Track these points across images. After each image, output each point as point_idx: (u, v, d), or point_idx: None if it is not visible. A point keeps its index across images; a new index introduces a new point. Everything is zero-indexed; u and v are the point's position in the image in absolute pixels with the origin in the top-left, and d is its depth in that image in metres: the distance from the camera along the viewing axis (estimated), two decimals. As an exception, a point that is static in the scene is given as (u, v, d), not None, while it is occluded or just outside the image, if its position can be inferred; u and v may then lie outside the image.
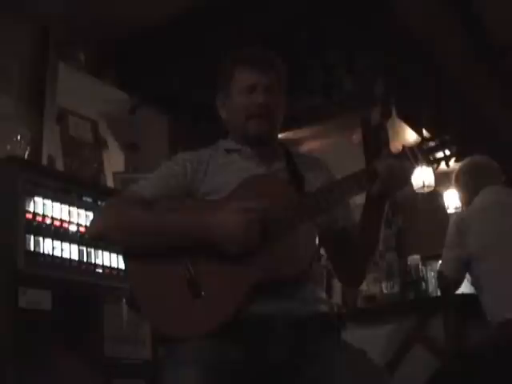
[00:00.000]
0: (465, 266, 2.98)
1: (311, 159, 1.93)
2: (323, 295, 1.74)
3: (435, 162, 1.65)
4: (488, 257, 2.86)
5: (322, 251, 1.89)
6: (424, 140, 1.65)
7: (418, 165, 1.63)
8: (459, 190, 3.32)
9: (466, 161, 3.21)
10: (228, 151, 1.81)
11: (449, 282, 3.05)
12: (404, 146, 1.64)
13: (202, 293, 1.57)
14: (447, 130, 1.66)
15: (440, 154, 1.64)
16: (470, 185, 3.19)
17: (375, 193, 1.63)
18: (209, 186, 1.73)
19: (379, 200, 1.67)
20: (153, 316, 1.63)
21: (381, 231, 1.73)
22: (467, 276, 3.06)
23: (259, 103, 1.74)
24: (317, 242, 1.70)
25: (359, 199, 1.73)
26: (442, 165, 1.66)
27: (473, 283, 3.06)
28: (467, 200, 3.20)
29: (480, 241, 2.90)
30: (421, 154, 1.62)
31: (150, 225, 1.65)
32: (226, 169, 1.76)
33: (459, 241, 2.97)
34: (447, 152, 1.63)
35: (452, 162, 1.65)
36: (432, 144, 1.64)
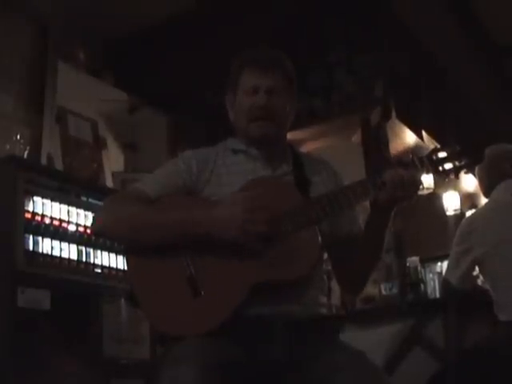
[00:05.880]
0: (471, 273, 2.91)
1: (319, 163, 1.88)
2: (324, 300, 1.72)
3: (444, 173, 1.62)
4: (498, 256, 2.75)
5: (325, 256, 1.87)
6: (435, 150, 1.63)
7: (427, 174, 1.60)
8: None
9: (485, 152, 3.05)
10: (235, 151, 1.80)
11: (454, 291, 2.95)
12: (413, 156, 1.61)
13: (202, 292, 1.57)
14: (447, 132, 1.64)
15: (449, 165, 1.61)
16: (485, 180, 3.04)
17: (381, 202, 1.61)
18: (214, 186, 1.72)
19: (385, 209, 1.64)
20: (152, 314, 1.62)
21: (385, 241, 1.70)
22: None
23: (260, 105, 1.72)
24: (320, 247, 1.68)
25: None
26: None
27: (486, 283, 2.95)
28: (484, 193, 3.07)
29: (489, 239, 2.79)
30: (430, 164, 1.60)
31: (149, 221, 1.63)
32: (231, 170, 1.75)
33: (465, 247, 2.86)
34: (457, 163, 1.61)
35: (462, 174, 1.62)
36: (443, 154, 1.61)
